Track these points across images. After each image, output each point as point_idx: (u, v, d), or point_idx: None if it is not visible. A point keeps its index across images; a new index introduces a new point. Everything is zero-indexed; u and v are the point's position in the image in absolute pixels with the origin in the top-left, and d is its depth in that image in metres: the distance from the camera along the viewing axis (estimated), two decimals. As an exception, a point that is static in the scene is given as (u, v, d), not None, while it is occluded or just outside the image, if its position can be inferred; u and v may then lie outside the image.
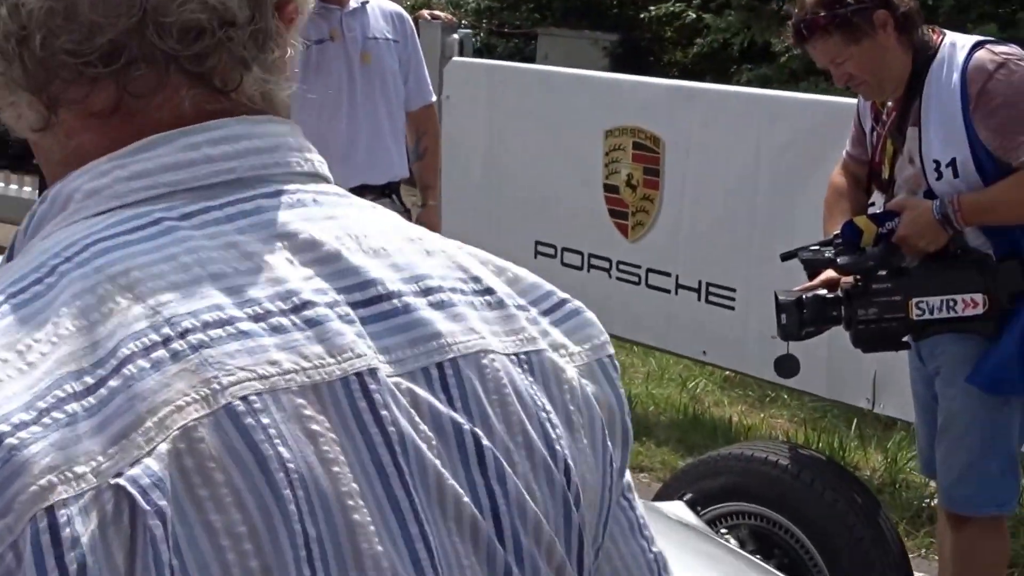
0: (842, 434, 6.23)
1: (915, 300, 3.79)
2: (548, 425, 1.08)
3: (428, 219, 5.43)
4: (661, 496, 4.12)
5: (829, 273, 3.96)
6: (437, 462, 1.01)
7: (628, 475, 1.20)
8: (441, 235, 1.18)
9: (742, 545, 3.94)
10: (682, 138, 6.37)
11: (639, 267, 6.55)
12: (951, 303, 3.76)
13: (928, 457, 4.15)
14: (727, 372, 6.89)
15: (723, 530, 3.97)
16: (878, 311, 3.81)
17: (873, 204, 4.19)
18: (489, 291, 1.11)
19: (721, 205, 6.22)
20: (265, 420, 0.95)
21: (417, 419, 1.02)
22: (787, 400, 6.78)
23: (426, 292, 1.07)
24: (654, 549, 1.22)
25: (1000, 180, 3.70)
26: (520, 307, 1.13)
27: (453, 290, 1.09)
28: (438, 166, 5.86)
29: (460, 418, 1.04)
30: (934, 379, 3.99)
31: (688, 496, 3.92)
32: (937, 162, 3.76)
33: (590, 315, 1.18)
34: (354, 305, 1.03)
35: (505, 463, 1.05)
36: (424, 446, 1.01)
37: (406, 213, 5.20)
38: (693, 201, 6.35)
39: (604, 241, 6.69)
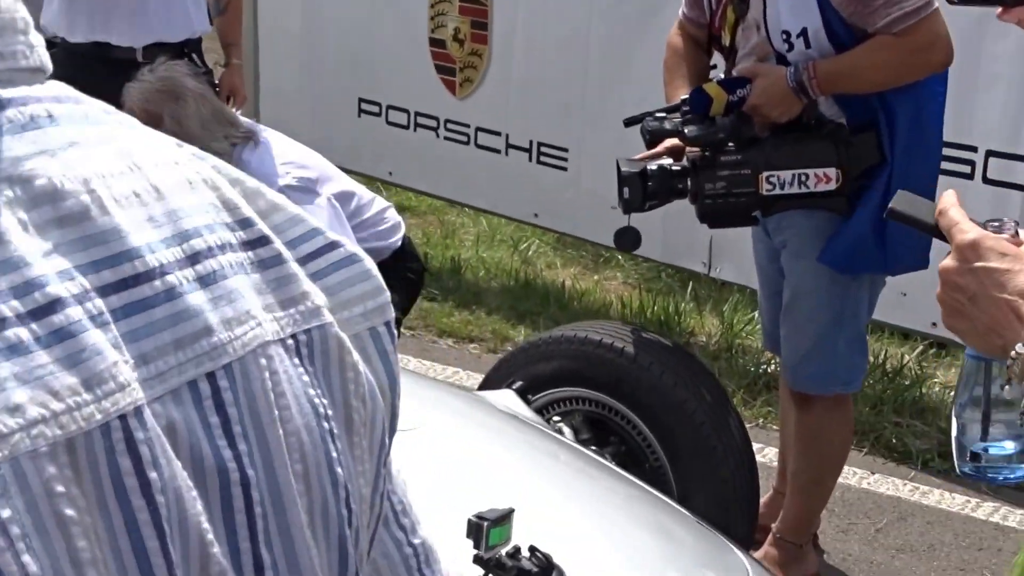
0: (677, 298, 6.03)
1: (765, 174, 3.52)
2: (329, 440, 0.82)
3: (231, 80, 5.05)
4: (490, 383, 3.87)
5: (673, 140, 3.67)
6: (207, 534, 0.74)
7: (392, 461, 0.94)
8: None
9: (576, 433, 3.71)
10: (512, -12, 6.04)
11: (468, 126, 6.25)
12: (803, 177, 3.51)
13: (772, 332, 3.96)
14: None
15: (555, 418, 3.73)
16: (726, 185, 3.54)
17: (716, 67, 3.91)
18: (262, 240, 0.82)
19: (552, 61, 5.93)
20: (4, 512, 0.65)
21: (184, 471, 0.74)
22: (621, 262, 6.55)
23: (193, 259, 0.77)
24: (415, 540, 0.97)
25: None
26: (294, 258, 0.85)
27: (223, 247, 0.79)
28: (241, 20, 5.42)
29: (230, 459, 0.76)
30: (780, 252, 3.77)
31: (517, 384, 3.67)
32: (787, 32, 3.49)
33: (368, 265, 0.89)
34: (104, 291, 0.72)
35: (273, 516, 0.78)
36: (190, 511, 0.73)
37: (207, 74, 4.77)
38: (523, 56, 6.05)
39: (431, 98, 6.38)
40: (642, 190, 3.61)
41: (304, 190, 3.90)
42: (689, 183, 3.60)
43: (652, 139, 3.69)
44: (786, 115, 3.51)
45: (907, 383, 5.27)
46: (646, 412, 3.68)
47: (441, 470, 2.62)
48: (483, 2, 6.10)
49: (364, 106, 6.66)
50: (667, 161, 3.65)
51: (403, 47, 6.42)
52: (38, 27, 0.79)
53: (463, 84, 6.25)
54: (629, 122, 3.76)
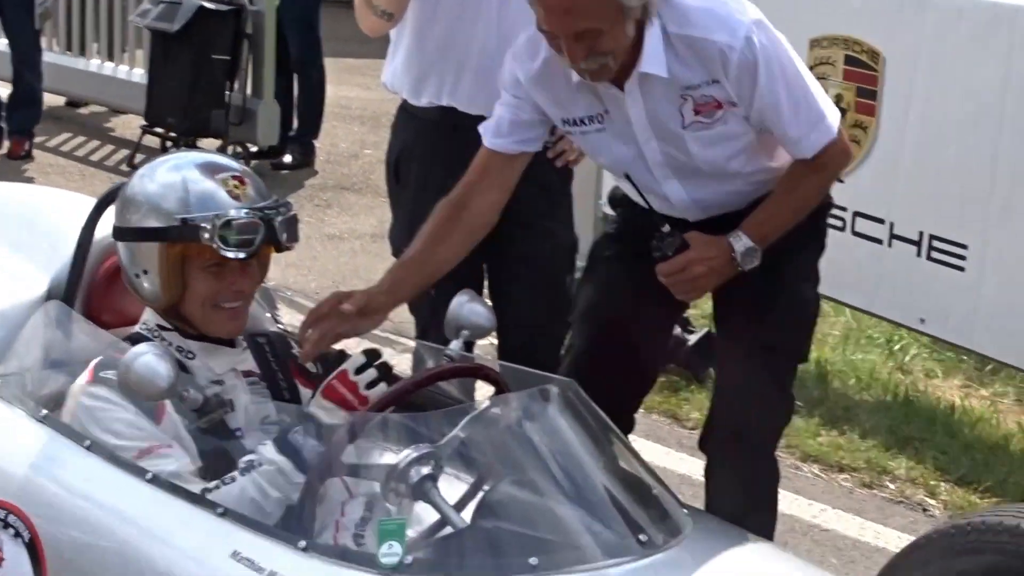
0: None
1: None
2: None
3: None
4: (897, 573, 3.03)
5: None
6: None
7: None
8: None
9: (1012, 655, 2.84)
10: (908, 53, 5.20)
11: (845, 209, 5.38)
12: None
13: None
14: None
15: (985, 630, 2.86)
16: None
17: None
18: None
19: (954, 139, 5.04)
20: None
21: None
22: (1012, 373, 5.55)
23: None
24: None
25: None
26: None
27: None
28: None
29: None
30: None
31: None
32: None
33: None
34: None
35: None
36: None
37: None
38: (918, 132, 5.18)
39: (802, 175, 5.52)
40: None
41: None
42: None
43: None
44: None
45: None
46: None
47: None
48: (873, 67, 5.25)
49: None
50: None
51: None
52: None
53: (841, 161, 5.41)
54: None
